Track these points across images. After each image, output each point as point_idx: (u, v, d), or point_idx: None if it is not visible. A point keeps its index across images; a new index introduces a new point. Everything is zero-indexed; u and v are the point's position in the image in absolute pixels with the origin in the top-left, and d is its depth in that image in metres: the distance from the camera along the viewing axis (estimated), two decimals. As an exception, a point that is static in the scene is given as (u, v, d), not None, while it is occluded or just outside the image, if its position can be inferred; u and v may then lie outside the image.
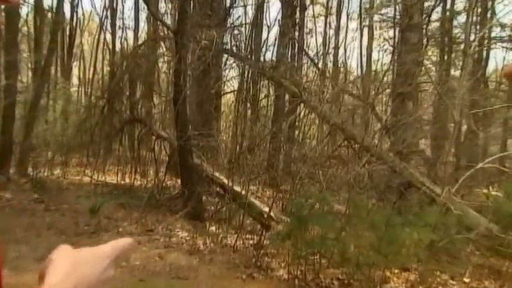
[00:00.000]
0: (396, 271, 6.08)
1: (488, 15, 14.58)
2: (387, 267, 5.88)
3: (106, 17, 19.30)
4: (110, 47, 18.79)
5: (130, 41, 18.99)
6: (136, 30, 19.09)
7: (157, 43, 12.32)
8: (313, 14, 19.39)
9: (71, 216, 8.21)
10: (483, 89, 14.01)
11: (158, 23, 13.09)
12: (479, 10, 14.97)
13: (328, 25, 20.08)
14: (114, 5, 19.10)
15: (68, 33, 19.91)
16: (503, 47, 14.71)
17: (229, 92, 15.67)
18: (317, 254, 6.05)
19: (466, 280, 5.91)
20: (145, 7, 14.88)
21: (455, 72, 14.83)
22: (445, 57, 15.49)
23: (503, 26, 13.38)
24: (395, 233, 5.80)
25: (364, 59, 18.70)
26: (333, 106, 9.89)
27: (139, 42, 16.16)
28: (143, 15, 19.58)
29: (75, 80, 22.91)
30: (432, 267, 6.13)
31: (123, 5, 34.64)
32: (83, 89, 21.19)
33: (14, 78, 11.08)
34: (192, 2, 9.87)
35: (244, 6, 15.83)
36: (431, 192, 7.57)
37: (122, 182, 11.51)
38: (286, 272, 5.99)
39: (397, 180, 8.54)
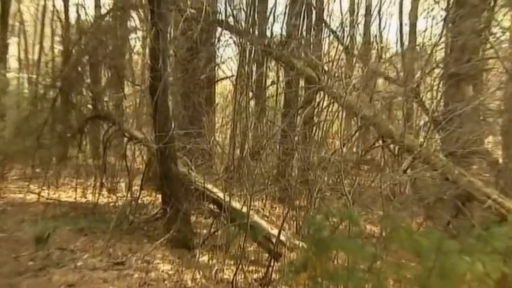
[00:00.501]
0: None
1: None
2: None
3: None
4: (62, 17, 18.65)
5: (90, 10, 18.92)
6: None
7: (126, 13, 12.36)
8: (336, -27, 19.49)
9: (10, 248, 8.26)
10: None
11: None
12: None
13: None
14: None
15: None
16: None
17: (225, 78, 15.72)
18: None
19: None
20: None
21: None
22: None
23: None
24: (450, 262, 5.80)
25: (406, 30, 18.75)
26: (362, 94, 9.85)
27: (103, 10, 16.18)
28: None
29: (13, 63, 22.72)
30: None
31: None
32: (25, 75, 21.17)
33: None
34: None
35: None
36: (500, 207, 7.62)
37: (83, 200, 11.59)
38: None
39: (452, 192, 8.54)
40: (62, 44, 16.69)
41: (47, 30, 20.56)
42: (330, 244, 6.10)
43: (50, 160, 11.71)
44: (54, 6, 19.65)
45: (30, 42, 22.17)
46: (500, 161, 10.31)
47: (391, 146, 9.70)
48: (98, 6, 18.39)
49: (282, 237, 7.73)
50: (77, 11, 18.95)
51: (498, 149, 12.09)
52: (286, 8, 14.67)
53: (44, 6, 19.94)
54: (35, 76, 18.80)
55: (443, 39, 11.98)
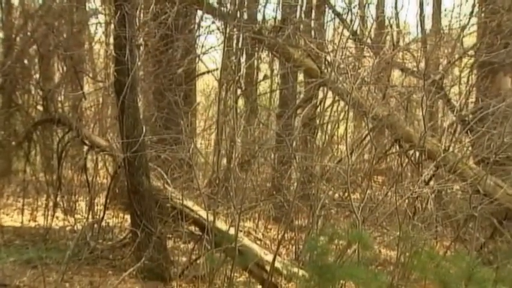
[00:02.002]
0: None
1: None
2: None
3: None
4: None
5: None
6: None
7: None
8: None
9: None
10: None
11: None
12: None
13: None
14: None
15: None
16: None
17: (207, 72, 15.80)
18: None
19: None
20: None
21: None
22: None
23: None
24: None
25: (427, 10, 18.91)
26: (374, 89, 9.95)
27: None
28: None
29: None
30: None
31: None
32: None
33: None
34: None
35: None
36: None
37: (31, 225, 11.60)
38: None
39: (486, 207, 8.56)
40: (3, 31, 16.68)
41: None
42: (336, 272, 6.17)
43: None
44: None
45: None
46: None
47: (410, 152, 9.80)
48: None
49: (278, 265, 7.78)
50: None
51: None
52: None
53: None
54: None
55: (474, 20, 12.08)
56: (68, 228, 10.84)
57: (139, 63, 9.85)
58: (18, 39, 12.16)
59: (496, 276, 6.22)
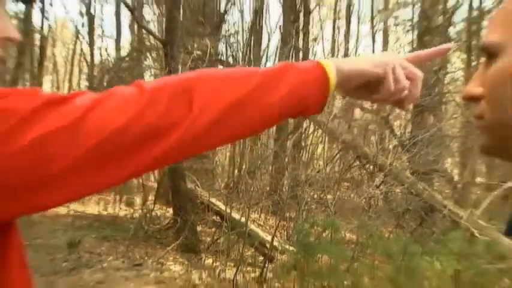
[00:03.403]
0: None
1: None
2: None
3: (82, 24, 19.66)
4: (88, 58, 19.02)
5: (112, 52, 19.27)
6: (118, 39, 19.35)
7: (143, 54, 12.61)
8: (320, 18, 19.84)
9: (47, 252, 8.35)
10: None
11: (144, 31, 13.43)
12: None
13: (336, 30, 20.57)
14: (92, 11, 19.52)
15: (38, 43, 20.13)
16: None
17: None
18: (326, 286, 6.25)
19: None
20: (129, 13, 15.24)
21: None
22: (474, 63, 15.88)
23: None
24: (415, 263, 6.04)
25: None
26: (342, 121, 10.11)
27: (122, 52, 16.44)
28: (126, 23, 19.97)
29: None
30: None
31: (102, 11, 35.06)
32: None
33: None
34: (182, 7, 10.17)
35: (241, 11, 16.19)
36: (454, 216, 7.82)
37: (104, 213, 11.73)
38: None
39: (417, 204, 8.76)
40: (88, 81, 16.89)
41: (75, 70, 21.01)
42: (315, 248, 6.32)
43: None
44: (81, 49, 20.11)
45: (61, 79, 22.59)
46: (456, 178, 10.53)
47: (367, 165, 9.87)
48: (118, 49, 18.79)
49: (275, 243, 7.80)
50: (100, 53, 19.41)
51: (456, 168, 12.31)
52: (277, 49, 14.97)
53: (74, 50, 20.43)
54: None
55: None
56: (129, 216, 10.93)
57: None
58: (97, 86, 12.33)
59: (422, 250, 6.39)
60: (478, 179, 10.88)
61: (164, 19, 10.46)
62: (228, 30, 14.06)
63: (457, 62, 16.10)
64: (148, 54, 12.91)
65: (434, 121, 10.89)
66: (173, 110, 0.96)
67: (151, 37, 12.57)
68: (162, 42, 9.34)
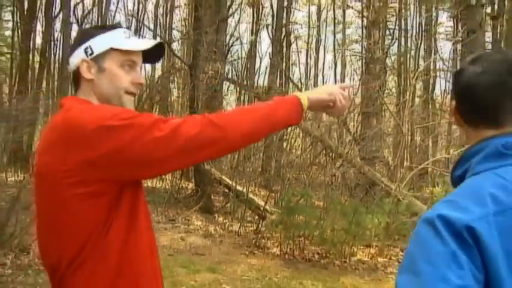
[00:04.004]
0: (361, 247, 6.65)
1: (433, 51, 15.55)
2: (354, 244, 6.45)
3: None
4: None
5: (149, 71, 19.30)
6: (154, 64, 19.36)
7: (172, 74, 12.77)
8: (297, 49, 20.10)
9: None
10: (432, 108, 14.77)
11: (172, 58, 13.62)
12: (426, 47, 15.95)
13: (308, 57, 20.83)
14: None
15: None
16: (441, 77, 15.63)
17: None
18: (302, 236, 6.57)
19: None
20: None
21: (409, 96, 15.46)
22: (402, 83, 16.21)
23: (443, 60, 14.30)
24: (361, 219, 6.38)
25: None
26: (313, 122, 10.29)
27: (156, 72, 16.57)
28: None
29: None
30: (387, 243, 6.71)
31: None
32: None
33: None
34: (201, 42, 10.40)
35: (241, 43, 16.47)
36: (387, 188, 8.05)
37: (145, 185, 11.80)
38: (279, 250, 6.54)
39: (364, 180, 8.98)
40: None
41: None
42: (294, 210, 6.64)
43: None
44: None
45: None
46: (390, 162, 10.73)
47: (330, 153, 9.93)
48: (153, 68, 18.88)
49: (267, 207, 7.93)
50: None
51: (390, 156, 12.38)
52: (266, 69, 15.17)
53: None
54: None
55: (359, 91, 12.49)
56: (163, 188, 10.91)
57: (200, 108, 10.13)
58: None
59: (366, 211, 6.69)
60: (405, 163, 11.10)
61: (191, 51, 10.61)
62: (232, 57, 14.33)
63: (391, 82, 16.44)
64: (177, 73, 13.04)
65: (376, 123, 11.03)
66: (218, 131, 1.21)
67: (178, 61, 12.74)
68: (188, 66, 9.60)
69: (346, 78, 19.78)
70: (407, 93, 9.48)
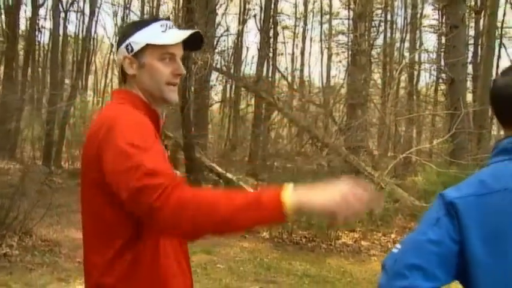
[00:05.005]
0: (346, 231, 7.00)
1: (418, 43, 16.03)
2: (340, 229, 6.77)
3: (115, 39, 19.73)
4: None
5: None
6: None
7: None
8: (284, 39, 20.24)
9: None
10: (416, 99, 15.23)
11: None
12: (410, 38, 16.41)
13: (295, 47, 21.02)
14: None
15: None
16: (426, 69, 16.08)
17: (218, 102, 16.39)
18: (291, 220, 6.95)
19: (393, 236, 6.93)
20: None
21: (393, 88, 15.82)
22: (387, 74, 16.59)
23: (428, 51, 14.80)
24: None
25: (325, 76, 19.69)
26: (300, 113, 10.58)
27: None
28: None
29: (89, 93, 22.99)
30: (371, 228, 7.09)
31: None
32: (95, 98, 21.73)
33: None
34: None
35: (228, 33, 16.61)
36: (371, 176, 8.35)
37: None
38: (269, 234, 6.84)
39: (348, 168, 9.11)
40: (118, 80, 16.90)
41: (109, 72, 21.20)
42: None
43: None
44: (114, 59, 20.16)
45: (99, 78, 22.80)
46: (375, 152, 10.98)
47: (317, 143, 10.25)
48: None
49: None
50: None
51: (374, 146, 12.63)
52: (253, 58, 15.28)
53: (109, 58, 20.54)
54: (101, 99, 19.49)
55: (345, 82, 12.77)
56: None
57: (191, 98, 10.39)
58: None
59: None
60: (389, 153, 11.37)
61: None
62: (220, 47, 14.53)
63: (376, 74, 16.78)
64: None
65: (361, 114, 11.18)
66: (177, 220, 1.11)
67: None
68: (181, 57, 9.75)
69: (332, 70, 20.13)
70: (392, 85, 9.80)
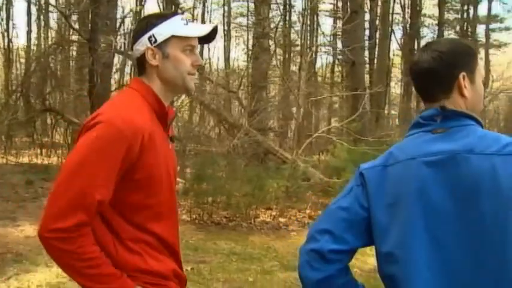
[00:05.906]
0: (263, 209, 7.32)
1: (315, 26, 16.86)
2: (258, 207, 7.09)
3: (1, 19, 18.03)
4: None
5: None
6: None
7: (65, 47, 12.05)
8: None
9: (10, 187, 8.39)
10: (314, 81, 16.05)
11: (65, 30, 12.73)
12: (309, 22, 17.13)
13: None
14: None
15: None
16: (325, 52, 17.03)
17: (123, 86, 15.77)
18: (210, 202, 7.03)
19: (308, 211, 7.39)
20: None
21: (294, 68, 16.50)
22: (287, 57, 17.28)
23: (325, 35, 15.66)
24: (263, 183, 6.98)
25: (225, 58, 19.76)
26: (209, 96, 10.62)
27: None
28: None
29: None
30: (287, 205, 7.47)
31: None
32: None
33: None
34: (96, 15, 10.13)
35: (131, 16, 15.98)
36: (284, 157, 8.78)
37: (38, 163, 11.41)
38: (188, 216, 6.89)
39: (260, 149, 9.47)
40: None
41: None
42: (202, 178, 7.07)
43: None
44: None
45: None
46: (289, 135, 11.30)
47: (226, 125, 10.43)
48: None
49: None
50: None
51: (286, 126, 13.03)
52: None
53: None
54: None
55: (250, 65, 12.95)
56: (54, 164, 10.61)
57: (99, 82, 9.96)
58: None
59: (267, 176, 7.36)
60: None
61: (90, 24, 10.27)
62: (124, 30, 14.05)
63: (279, 57, 17.33)
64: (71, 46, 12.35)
65: (266, 96, 11.62)
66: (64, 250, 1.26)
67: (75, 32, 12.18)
68: (87, 39, 9.39)
69: (236, 52, 20.24)
70: (301, 67, 10.16)
